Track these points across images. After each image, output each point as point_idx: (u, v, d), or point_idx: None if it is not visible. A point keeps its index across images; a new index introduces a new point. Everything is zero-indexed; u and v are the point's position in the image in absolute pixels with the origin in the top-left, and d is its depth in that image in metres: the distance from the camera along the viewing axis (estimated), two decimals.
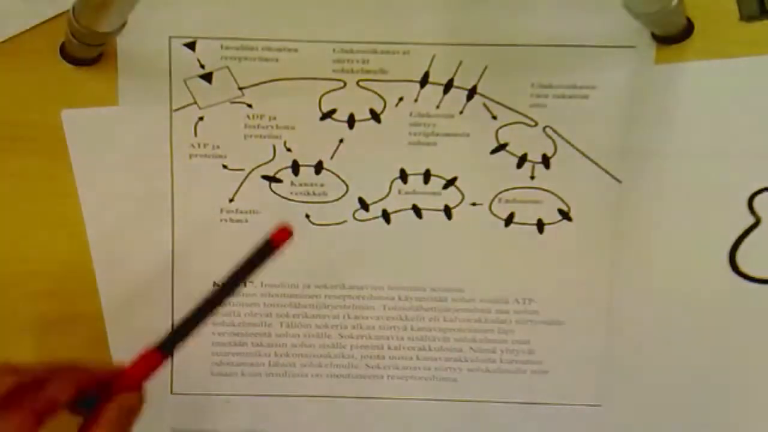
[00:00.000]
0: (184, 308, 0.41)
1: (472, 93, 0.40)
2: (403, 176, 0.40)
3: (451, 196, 0.41)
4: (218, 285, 0.32)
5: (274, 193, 0.41)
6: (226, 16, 0.39)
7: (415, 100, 0.40)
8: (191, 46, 0.39)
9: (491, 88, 0.40)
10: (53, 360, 0.31)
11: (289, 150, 0.40)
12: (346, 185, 0.41)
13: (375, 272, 0.41)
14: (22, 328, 0.41)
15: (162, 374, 0.42)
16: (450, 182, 0.40)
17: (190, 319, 0.32)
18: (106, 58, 0.39)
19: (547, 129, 0.40)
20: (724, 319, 0.41)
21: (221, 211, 0.41)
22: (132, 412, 0.31)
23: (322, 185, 0.41)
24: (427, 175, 0.40)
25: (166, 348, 0.32)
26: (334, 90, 0.40)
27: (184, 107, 0.40)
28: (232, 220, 0.41)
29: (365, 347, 0.42)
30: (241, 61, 0.39)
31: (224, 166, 0.40)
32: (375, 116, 0.40)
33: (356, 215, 0.41)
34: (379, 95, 0.40)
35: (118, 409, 0.30)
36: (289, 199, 0.41)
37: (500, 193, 0.41)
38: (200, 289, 0.41)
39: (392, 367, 0.42)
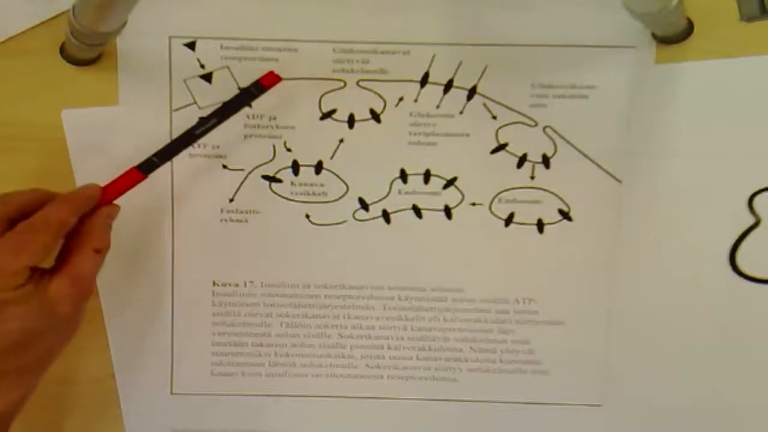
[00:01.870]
0: (184, 308, 0.41)
1: (472, 93, 0.40)
2: (403, 176, 0.41)
3: (451, 196, 0.41)
4: (203, 118, 0.37)
5: (274, 193, 0.41)
6: (226, 16, 0.39)
7: (415, 100, 0.40)
8: (191, 46, 0.39)
9: (491, 88, 0.40)
10: (36, 190, 0.34)
11: (289, 150, 0.40)
12: (346, 185, 0.41)
13: (375, 272, 0.41)
14: None
15: (162, 374, 0.42)
16: (450, 182, 0.40)
17: (171, 145, 0.37)
18: (106, 58, 0.39)
19: (547, 129, 0.40)
20: (724, 319, 0.41)
21: (221, 211, 0.41)
22: (111, 217, 0.36)
23: (322, 185, 0.41)
24: (427, 175, 0.40)
25: (144, 169, 0.36)
26: (334, 90, 0.40)
27: (184, 107, 0.40)
28: (232, 220, 0.41)
29: (365, 347, 0.42)
30: (241, 61, 0.39)
31: (224, 166, 0.40)
32: (375, 116, 0.40)
33: (356, 215, 0.41)
34: (379, 95, 0.40)
35: (104, 216, 0.35)
36: (289, 199, 0.41)
37: (500, 193, 0.41)
38: (200, 289, 0.41)
39: (392, 367, 0.42)
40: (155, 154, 0.36)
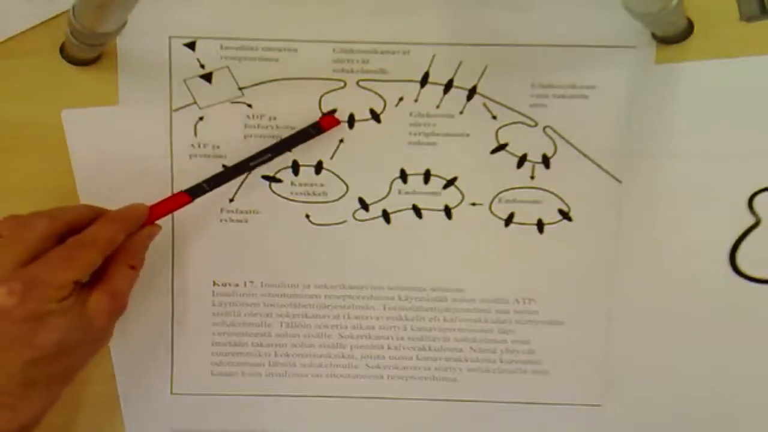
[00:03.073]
0: (184, 308, 0.41)
1: (472, 93, 0.40)
2: (403, 176, 0.41)
3: (451, 196, 0.41)
4: (256, 152, 0.39)
5: (274, 193, 0.41)
6: (226, 16, 0.39)
7: (415, 100, 0.40)
8: (191, 46, 0.39)
9: (491, 88, 0.40)
10: (86, 205, 0.36)
11: (289, 150, 0.40)
12: (346, 185, 0.41)
13: (375, 272, 0.41)
14: None
15: (162, 374, 0.42)
16: (450, 182, 0.40)
17: (223, 173, 0.38)
18: (106, 58, 0.39)
19: (547, 129, 0.40)
20: (724, 319, 0.41)
21: (221, 211, 0.41)
22: (151, 237, 0.37)
23: (322, 185, 0.41)
24: (427, 175, 0.40)
25: (192, 193, 0.38)
26: (334, 90, 0.40)
27: (184, 107, 0.40)
28: (232, 220, 0.41)
29: (365, 347, 0.42)
30: (241, 61, 0.39)
31: (224, 166, 0.40)
32: (375, 116, 0.40)
33: (356, 215, 0.41)
34: (379, 95, 0.40)
35: (145, 236, 0.37)
36: (289, 199, 0.41)
37: (500, 193, 0.41)
38: (200, 289, 0.41)
39: (392, 367, 0.42)
40: (206, 181, 0.38)
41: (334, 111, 0.40)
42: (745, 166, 0.40)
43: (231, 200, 0.40)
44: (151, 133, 0.40)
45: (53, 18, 0.39)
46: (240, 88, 0.40)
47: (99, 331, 0.34)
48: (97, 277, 0.34)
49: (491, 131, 0.40)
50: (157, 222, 0.37)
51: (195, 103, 0.40)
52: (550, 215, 0.41)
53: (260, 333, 0.42)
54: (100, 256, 0.33)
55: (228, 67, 0.39)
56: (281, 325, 0.42)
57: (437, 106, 0.40)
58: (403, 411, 0.43)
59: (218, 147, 0.40)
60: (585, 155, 0.40)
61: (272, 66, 0.39)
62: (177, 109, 0.40)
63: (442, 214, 0.41)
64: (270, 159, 0.39)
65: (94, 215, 0.35)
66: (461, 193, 0.41)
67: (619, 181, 0.40)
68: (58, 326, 0.31)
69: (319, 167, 0.40)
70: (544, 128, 0.40)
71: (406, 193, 0.41)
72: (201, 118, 0.40)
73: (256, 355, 0.42)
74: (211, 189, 0.38)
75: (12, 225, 0.33)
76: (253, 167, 0.39)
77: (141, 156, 0.40)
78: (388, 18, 0.39)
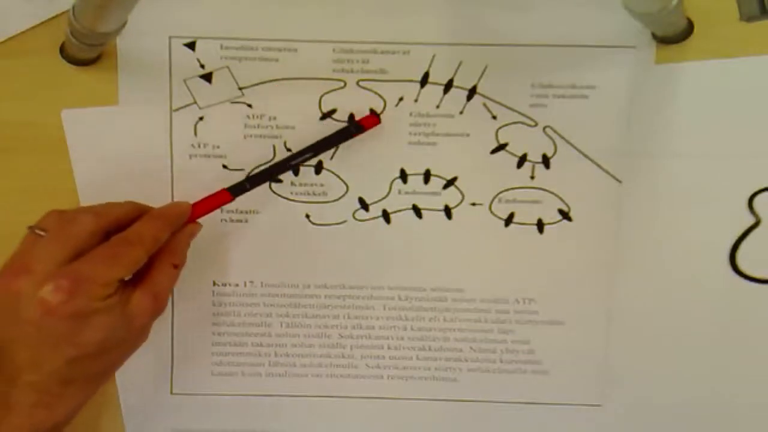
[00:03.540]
0: (184, 308, 0.41)
1: (472, 93, 0.40)
2: (403, 176, 0.41)
3: (451, 196, 0.41)
4: (295, 151, 0.39)
5: (274, 193, 0.41)
6: (226, 16, 0.39)
7: (415, 100, 0.40)
8: (191, 46, 0.39)
9: (491, 88, 0.40)
10: (130, 203, 0.36)
11: (289, 150, 0.40)
12: (346, 185, 0.41)
13: (375, 272, 0.41)
14: None
15: (162, 374, 0.42)
16: (450, 182, 0.40)
17: (264, 172, 0.38)
18: (106, 58, 0.39)
19: (547, 129, 0.40)
20: (724, 319, 0.41)
21: (221, 211, 0.41)
22: (193, 235, 0.37)
23: (322, 185, 0.41)
24: (427, 175, 0.40)
25: (234, 191, 0.38)
26: (334, 90, 0.40)
27: (184, 107, 0.40)
28: (232, 220, 0.41)
29: (365, 347, 0.42)
30: (241, 61, 0.39)
31: (224, 166, 0.40)
32: (375, 116, 0.40)
33: (356, 215, 0.41)
34: (379, 95, 0.40)
35: (188, 234, 0.36)
36: (289, 199, 0.41)
37: (500, 193, 0.41)
38: (200, 289, 0.41)
39: (392, 367, 0.42)
40: (247, 179, 0.38)
41: (334, 111, 0.40)
42: (745, 166, 0.40)
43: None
44: (151, 133, 0.40)
45: (53, 18, 0.39)
46: (240, 88, 0.40)
47: (139, 330, 0.33)
48: (139, 275, 0.34)
49: (491, 131, 0.40)
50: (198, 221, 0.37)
51: (195, 103, 0.40)
52: (550, 215, 0.41)
53: (260, 333, 0.42)
54: (145, 254, 0.33)
55: (228, 67, 0.39)
56: (281, 325, 0.42)
57: (437, 106, 0.40)
58: (403, 411, 0.43)
59: (218, 147, 0.40)
60: (585, 155, 0.40)
61: (272, 66, 0.39)
62: (177, 109, 0.40)
63: (442, 214, 0.41)
64: (310, 158, 0.39)
65: (138, 212, 0.35)
66: (461, 193, 0.41)
67: (619, 181, 0.40)
68: (102, 325, 0.31)
69: (319, 167, 0.40)
70: (544, 128, 0.40)
71: (406, 193, 0.41)
72: (201, 118, 0.40)
73: (256, 355, 0.42)
74: (251, 188, 0.38)
75: (57, 221, 0.33)
76: (294, 166, 0.39)
77: (141, 156, 0.40)
78: (388, 18, 0.39)
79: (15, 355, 0.31)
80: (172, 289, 0.35)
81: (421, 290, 0.41)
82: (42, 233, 0.32)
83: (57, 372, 0.31)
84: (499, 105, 0.40)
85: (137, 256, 0.33)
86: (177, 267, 0.35)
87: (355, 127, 0.39)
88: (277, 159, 0.40)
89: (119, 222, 0.34)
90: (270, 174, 0.39)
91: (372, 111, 0.39)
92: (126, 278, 0.33)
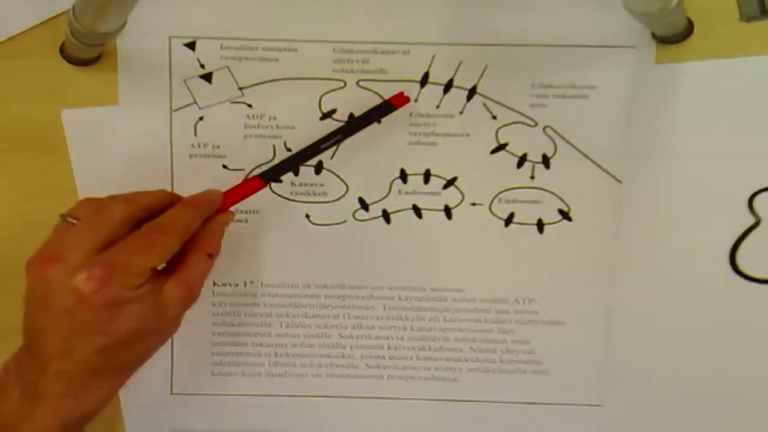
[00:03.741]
0: None
1: (472, 93, 0.40)
2: (403, 176, 0.41)
3: (451, 196, 0.41)
4: (327, 134, 0.38)
5: (274, 193, 0.41)
6: (226, 16, 0.39)
7: (415, 100, 0.40)
8: (191, 46, 0.39)
9: (491, 88, 0.40)
10: (162, 191, 0.35)
11: (289, 150, 0.40)
12: (346, 185, 0.41)
13: (375, 272, 0.41)
14: (20, 328, 0.41)
15: (162, 374, 0.42)
16: (450, 182, 0.40)
17: (295, 156, 0.38)
18: (106, 58, 0.39)
19: (547, 129, 0.40)
20: (724, 319, 0.41)
21: None
22: (226, 223, 0.36)
23: (322, 185, 0.41)
24: (427, 175, 0.40)
25: (266, 177, 0.37)
26: (334, 90, 0.40)
27: (184, 107, 0.40)
28: (232, 220, 0.41)
29: (365, 347, 0.42)
30: (241, 61, 0.39)
31: (224, 166, 0.40)
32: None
33: (356, 215, 0.41)
34: (379, 95, 0.40)
35: (221, 222, 0.35)
36: (289, 199, 0.41)
37: (500, 193, 0.41)
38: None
39: (392, 367, 0.42)
40: (279, 164, 0.38)
41: (334, 111, 0.40)
42: (745, 166, 0.40)
43: None
44: (151, 133, 0.40)
45: (53, 18, 0.39)
46: (240, 88, 0.40)
47: (170, 320, 0.33)
48: (171, 264, 0.33)
49: (491, 131, 0.40)
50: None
51: (195, 103, 0.40)
52: (550, 215, 0.41)
53: (260, 333, 0.42)
54: (178, 242, 0.32)
55: (228, 67, 0.39)
56: (281, 325, 0.42)
57: (437, 106, 0.40)
58: (403, 411, 0.43)
59: (218, 147, 0.40)
60: (585, 155, 0.40)
61: (272, 66, 0.39)
62: (177, 109, 0.40)
63: (442, 214, 0.41)
64: (341, 140, 0.38)
65: (169, 200, 0.34)
66: (461, 193, 0.41)
67: (619, 181, 0.40)
68: (134, 314, 0.31)
69: (319, 167, 0.40)
70: (544, 128, 0.40)
71: (406, 193, 0.41)
72: (201, 118, 0.40)
73: (256, 355, 0.42)
74: (283, 174, 0.38)
75: (89, 208, 0.32)
76: (324, 149, 0.38)
77: (141, 156, 0.40)
78: (388, 18, 0.39)
79: (46, 344, 0.30)
80: (205, 279, 0.34)
81: (421, 290, 0.41)
82: (74, 221, 0.32)
83: (87, 361, 0.30)
84: (499, 105, 0.40)
85: (170, 244, 0.32)
86: (212, 256, 0.34)
87: (387, 107, 0.38)
88: (277, 159, 0.40)
89: (151, 210, 0.33)
90: (300, 159, 0.38)
91: (402, 94, 0.39)
92: (159, 267, 0.32)
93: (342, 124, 0.40)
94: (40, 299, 0.31)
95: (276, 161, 0.40)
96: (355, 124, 0.38)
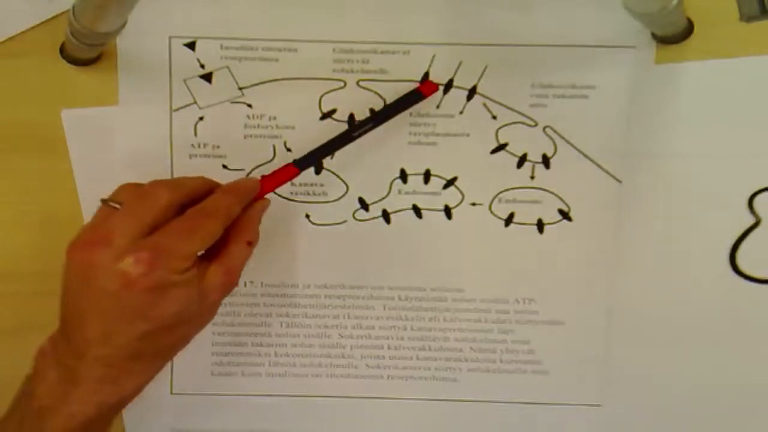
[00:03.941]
0: None
1: (472, 93, 0.40)
2: (403, 176, 0.41)
3: (451, 196, 0.41)
4: (358, 121, 0.39)
5: (274, 193, 0.40)
6: (226, 16, 0.39)
7: None
8: (191, 46, 0.39)
9: (491, 88, 0.40)
10: (202, 177, 0.35)
11: (289, 150, 0.40)
12: (346, 185, 0.41)
13: (375, 272, 0.41)
14: (20, 328, 0.41)
15: (162, 374, 0.42)
16: (450, 182, 0.40)
17: (328, 144, 0.38)
18: (106, 58, 0.39)
19: (547, 129, 0.40)
20: (724, 319, 0.41)
21: None
22: (263, 210, 0.36)
23: (322, 185, 0.41)
24: (427, 175, 0.40)
25: (300, 165, 0.37)
26: (334, 90, 0.40)
27: (184, 107, 0.40)
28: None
29: (365, 347, 0.42)
30: (241, 61, 0.39)
31: (224, 166, 0.40)
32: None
33: (356, 215, 0.41)
34: (379, 95, 0.40)
35: (259, 210, 0.36)
36: (289, 199, 0.41)
37: (500, 193, 0.41)
38: None
39: (392, 367, 0.42)
40: (312, 152, 0.37)
41: (334, 111, 0.40)
42: (745, 166, 0.40)
43: None
44: (151, 133, 0.40)
45: (53, 18, 0.39)
46: (240, 88, 0.40)
47: (210, 306, 0.33)
48: (212, 251, 0.33)
49: (491, 131, 0.40)
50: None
51: (195, 103, 0.40)
52: (550, 215, 0.41)
53: (260, 333, 0.42)
54: (221, 227, 0.33)
55: (228, 67, 0.39)
56: (281, 325, 0.42)
57: (437, 106, 0.40)
58: (403, 411, 0.43)
59: (218, 147, 0.40)
60: (585, 155, 0.40)
61: (272, 66, 0.39)
62: (177, 109, 0.40)
63: (442, 214, 0.41)
64: (372, 128, 0.38)
65: (209, 187, 0.34)
66: (461, 193, 0.41)
67: (619, 181, 0.40)
68: (178, 298, 0.31)
69: (319, 167, 0.40)
70: (544, 128, 0.40)
71: (406, 193, 0.41)
72: (201, 118, 0.40)
73: (256, 355, 0.42)
74: (316, 161, 0.38)
75: (132, 193, 0.32)
76: (357, 137, 0.38)
77: (141, 156, 0.40)
78: (388, 18, 0.39)
79: (86, 329, 0.30)
80: (244, 267, 0.34)
81: (421, 290, 0.41)
82: (117, 206, 0.32)
83: (127, 346, 0.30)
84: (499, 105, 0.40)
85: (214, 229, 0.32)
86: (251, 244, 0.34)
87: (414, 95, 0.38)
88: (277, 159, 0.40)
89: (192, 196, 0.33)
90: (333, 147, 0.38)
91: (430, 81, 0.39)
92: (201, 252, 0.32)
93: (342, 123, 0.40)
94: (82, 283, 0.30)
95: (276, 161, 0.40)
96: (386, 113, 0.38)
